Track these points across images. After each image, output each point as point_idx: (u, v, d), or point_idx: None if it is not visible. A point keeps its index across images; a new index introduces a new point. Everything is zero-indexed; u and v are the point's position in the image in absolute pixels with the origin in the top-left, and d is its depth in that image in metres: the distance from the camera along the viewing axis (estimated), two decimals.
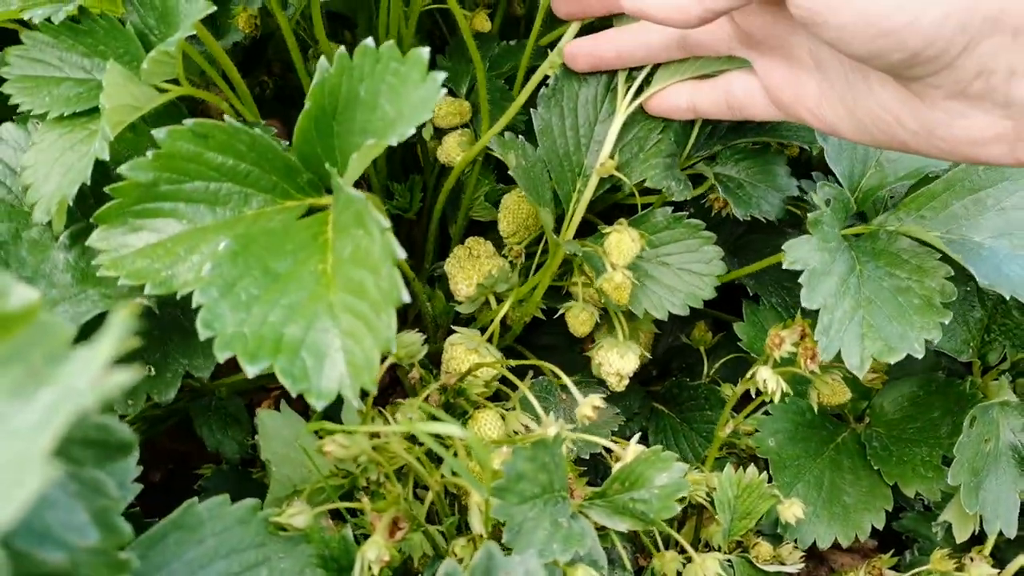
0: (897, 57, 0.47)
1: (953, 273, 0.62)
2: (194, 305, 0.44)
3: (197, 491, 0.75)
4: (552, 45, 0.69)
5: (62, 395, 0.22)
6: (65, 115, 0.57)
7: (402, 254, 0.41)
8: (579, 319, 0.69)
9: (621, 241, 0.64)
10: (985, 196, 0.65)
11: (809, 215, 0.62)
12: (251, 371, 0.42)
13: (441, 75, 0.45)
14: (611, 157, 0.67)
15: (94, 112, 0.58)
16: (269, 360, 0.42)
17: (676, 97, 0.66)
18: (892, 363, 0.72)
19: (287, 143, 0.51)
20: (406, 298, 0.41)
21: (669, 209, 0.69)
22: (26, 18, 0.57)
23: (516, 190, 0.73)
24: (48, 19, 0.57)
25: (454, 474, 0.57)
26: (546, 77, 0.67)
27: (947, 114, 0.51)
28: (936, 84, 0.49)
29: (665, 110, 0.67)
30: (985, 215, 0.64)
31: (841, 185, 0.67)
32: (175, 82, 0.60)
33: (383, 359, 0.59)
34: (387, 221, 0.41)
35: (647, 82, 0.67)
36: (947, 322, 0.60)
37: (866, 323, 0.61)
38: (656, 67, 0.66)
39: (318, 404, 0.42)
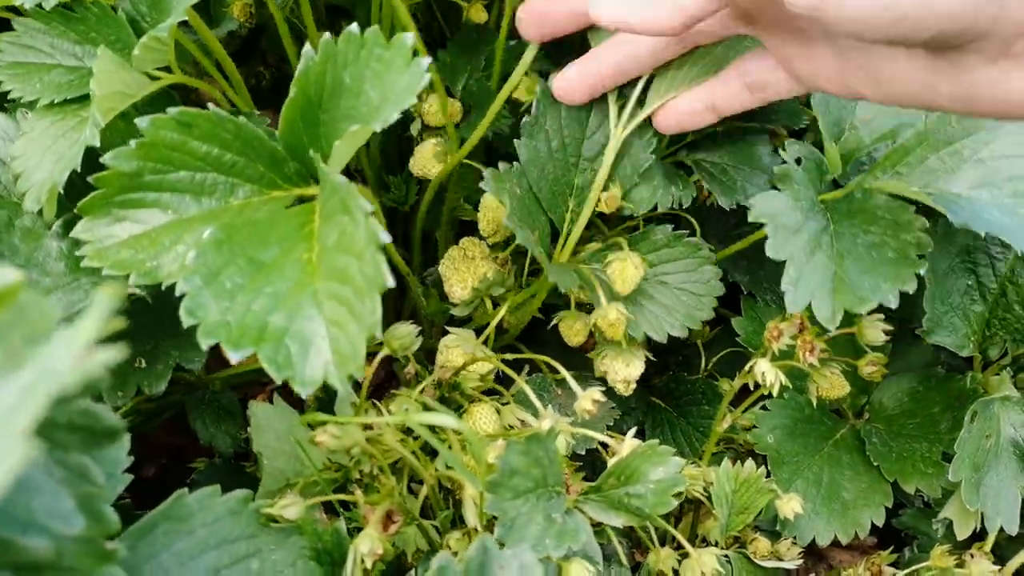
0: (926, 36, 0.44)
1: (928, 226, 0.60)
2: (177, 293, 0.44)
3: (190, 485, 0.75)
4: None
5: (41, 375, 0.22)
6: (55, 102, 0.57)
7: (386, 238, 0.41)
8: (573, 329, 0.68)
9: (624, 270, 0.63)
10: (961, 147, 0.63)
11: (776, 168, 0.61)
12: (234, 357, 0.42)
13: (426, 60, 0.44)
14: (609, 181, 0.66)
15: (85, 99, 0.57)
16: (252, 347, 0.42)
17: (691, 103, 0.63)
18: (890, 355, 0.72)
19: (274, 131, 0.51)
20: (390, 282, 0.40)
21: (669, 227, 0.68)
22: (17, 4, 0.56)
23: None
24: (39, 5, 0.56)
25: (448, 467, 0.56)
26: (528, 106, 0.65)
27: (989, 78, 0.47)
28: (975, 50, 0.46)
29: (680, 121, 0.64)
30: (962, 167, 0.63)
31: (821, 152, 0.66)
32: (167, 70, 0.59)
33: (375, 353, 0.58)
34: (371, 205, 0.41)
35: (642, 98, 0.65)
36: (923, 272, 0.58)
37: (837, 277, 0.59)
38: (650, 79, 0.64)
39: (303, 392, 0.41)
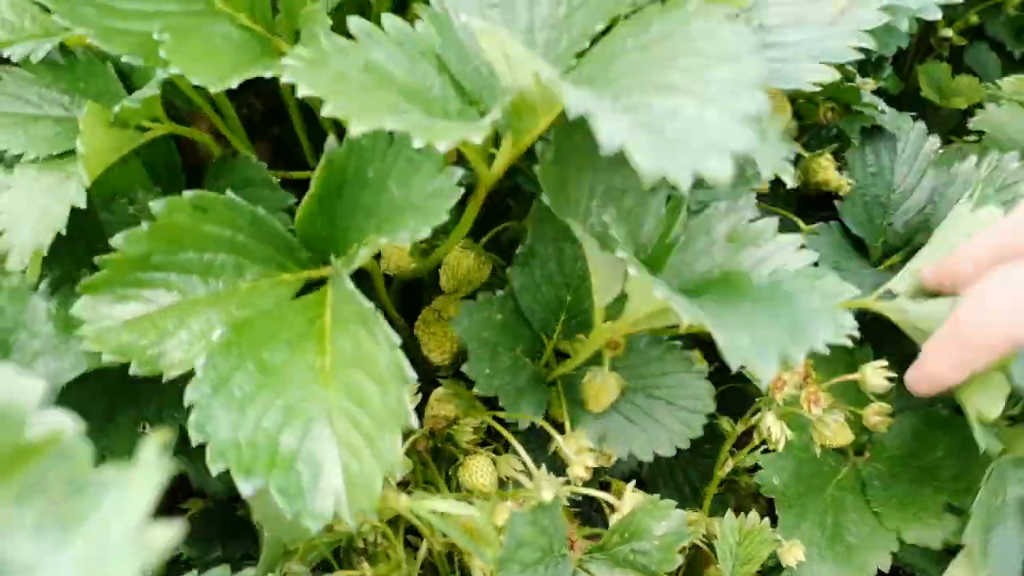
0: None
1: None
2: (186, 403, 0.44)
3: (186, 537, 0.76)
4: None
5: (96, 557, 0.24)
6: (41, 158, 0.57)
7: (413, 376, 0.40)
8: (559, 411, 0.69)
9: (600, 393, 0.65)
10: None
11: None
12: (246, 489, 0.41)
13: (458, 172, 0.44)
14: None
15: (70, 154, 0.57)
16: (263, 477, 0.42)
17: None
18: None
19: (290, 220, 0.51)
20: (414, 423, 0.40)
21: (665, 338, 0.69)
22: (6, 55, 0.57)
23: (459, 245, 0.70)
24: (27, 57, 0.57)
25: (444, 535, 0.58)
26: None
27: None
28: None
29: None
30: None
31: None
32: (157, 119, 0.60)
33: None
34: (398, 337, 0.41)
35: None
36: None
37: None
38: None
39: (313, 527, 0.41)
